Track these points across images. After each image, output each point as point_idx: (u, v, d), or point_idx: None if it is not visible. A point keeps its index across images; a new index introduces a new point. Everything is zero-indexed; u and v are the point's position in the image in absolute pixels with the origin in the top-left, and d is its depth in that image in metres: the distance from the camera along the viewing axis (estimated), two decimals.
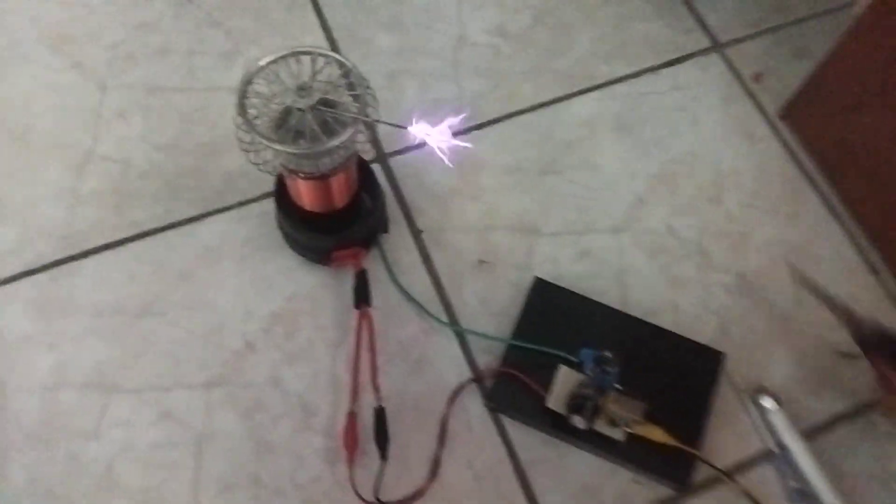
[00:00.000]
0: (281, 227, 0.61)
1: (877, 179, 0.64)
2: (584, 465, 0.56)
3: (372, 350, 0.57)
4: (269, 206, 0.64)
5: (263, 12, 0.74)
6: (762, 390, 0.59)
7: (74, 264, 0.61)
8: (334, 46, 0.73)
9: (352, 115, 0.50)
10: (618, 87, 0.73)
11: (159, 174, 0.65)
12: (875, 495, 0.56)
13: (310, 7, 0.75)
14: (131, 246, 0.62)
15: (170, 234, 0.63)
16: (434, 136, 0.49)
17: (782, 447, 0.57)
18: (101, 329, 0.59)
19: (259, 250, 0.63)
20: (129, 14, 0.73)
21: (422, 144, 0.67)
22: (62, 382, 0.57)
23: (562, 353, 0.57)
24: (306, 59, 0.51)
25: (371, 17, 0.75)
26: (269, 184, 0.65)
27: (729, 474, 0.56)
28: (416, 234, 0.64)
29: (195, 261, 0.62)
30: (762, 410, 0.58)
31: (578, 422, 0.53)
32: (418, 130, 0.50)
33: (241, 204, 0.65)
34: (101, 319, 0.59)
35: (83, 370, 0.57)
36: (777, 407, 0.58)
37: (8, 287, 0.60)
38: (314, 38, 0.73)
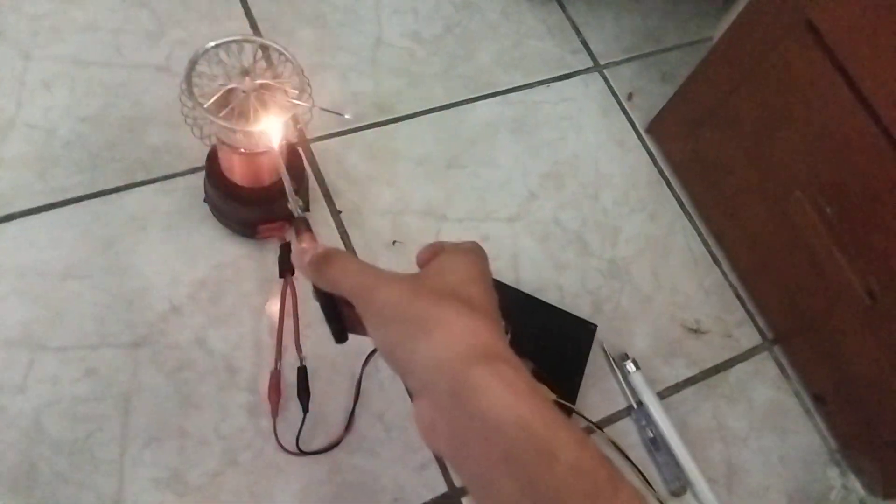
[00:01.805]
0: (210, 200, 0.65)
1: (715, 185, 0.77)
2: None
3: (295, 315, 0.63)
4: (194, 180, 0.68)
5: None
6: (625, 356, 0.70)
7: None
8: (257, 34, 0.77)
9: (291, 99, 0.55)
10: (514, 95, 0.83)
11: (84, 145, 0.67)
12: (712, 445, 0.69)
13: None
14: (55, 212, 0.64)
15: (95, 202, 0.65)
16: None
17: (640, 404, 0.68)
18: (25, 290, 0.60)
19: (184, 221, 0.66)
20: None
21: (344, 132, 0.74)
22: None
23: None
24: (249, 46, 0.56)
25: (294, 11, 0.80)
26: (193, 159, 0.69)
27: (599, 426, 0.66)
28: (336, 213, 0.70)
29: (120, 229, 0.65)
30: (625, 373, 0.69)
31: None
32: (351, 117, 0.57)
33: (167, 177, 0.68)
34: (25, 280, 0.61)
35: (8, 328, 0.59)
36: (636, 370, 0.69)
37: None
38: (238, 25, 0.77)
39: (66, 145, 0.67)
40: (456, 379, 0.34)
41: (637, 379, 0.69)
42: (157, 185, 0.67)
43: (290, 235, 0.66)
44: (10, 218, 0.63)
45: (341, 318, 0.44)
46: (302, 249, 0.43)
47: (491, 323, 0.36)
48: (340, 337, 0.45)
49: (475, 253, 0.41)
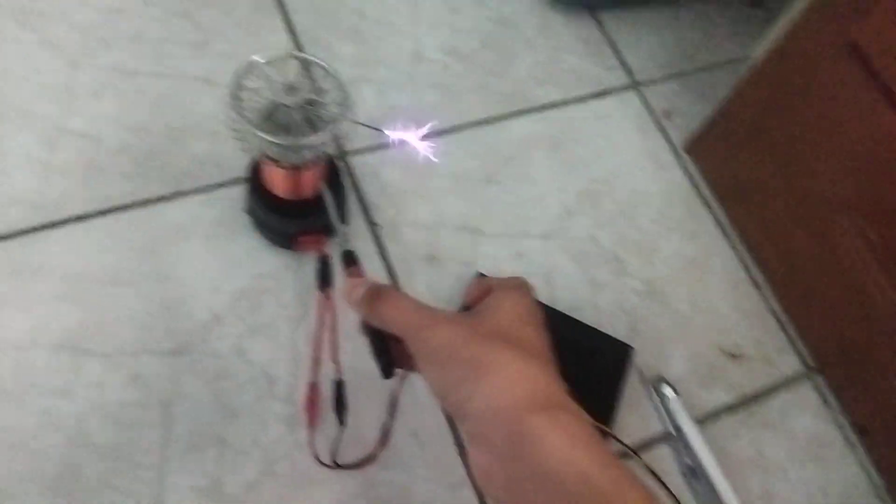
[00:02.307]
0: (251, 211, 0.66)
1: (756, 206, 0.76)
2: None
3: (333, 328, 0.63)
4: (236, 191, 0.69)
5: (232, 10, 0.79)
6: (663, 380, 0.69)
7: (46, 233, 0.63)
8: (298, 48, 0.78)
9: (334, 114, 0.56)
10: (551, 112, 0.83)
11: (130, 153, 0.69)
12: (751, 475, 0.68)
13: (277, 9, 0.80)
14: (102, 219, 0.65)
15: (140, 210, 0.66)
16: (408, 137, 0.56)
17: (678, 430, 0.67)
18: (71, 295, 0.61)
19: (226, 231, 0.67)
20: None
21: (381, 146, 0.74)
22: (35, 343, 0.59)
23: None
24: (295, 61, 0.57)
25: (334, 26, 0.81)
26: (236, 169, 0.70)
27: (635, 451, 0.66)
28: (373, 227, 0.71)
29: (164, 237, 0.66)
30: (662, 397, 0.68)
31: None
32: (395, 134, 0.57)
33: (210, 188, 0.69)
34: (72, 286, 0.62)
35: (55, 333, 0.60)
36: (675, 395, 0.68)
37: None
38: (279, 39, 0.79)
39: (113, 154, 0.68)
40: (513, 427, 0.33)
41: (675, 405, 0.68)
42: (202, 195, 0.69)
43: (330, 247, 0.66)
44: (57, 224, 0.64)
45: (389, 353, 0.44)
46: (352, 284, 0.43)
47: (547, 367, 0.36)
48: (388, 372, 0.44)
49: (524, 291, 0.41)
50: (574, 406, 0.35)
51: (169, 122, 0.71)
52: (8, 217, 0.63)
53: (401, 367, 0.44)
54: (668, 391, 0.68)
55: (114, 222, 0.65)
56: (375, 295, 0.41)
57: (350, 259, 0.45)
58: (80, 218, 0.65)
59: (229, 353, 0.62)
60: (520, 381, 0.35)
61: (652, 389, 0.69)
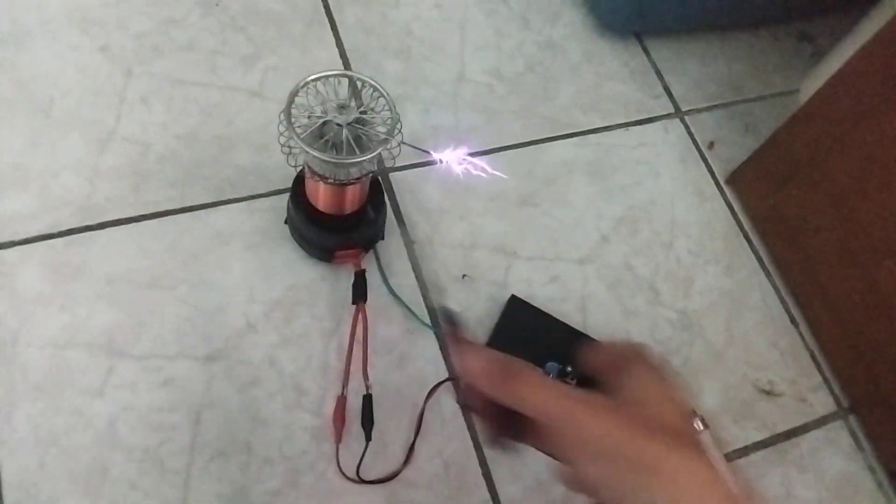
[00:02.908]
0: (291, 223, 0.67)
1: (798, 243, 0.75)
2: (539, 461, 0.63)
3: (364, 342, 0.63)
4: (277, 202, 0.70)
5: (284, 24, 0.80)
6: (693, 413, 0.68)
7: (90, 234, 0.65)
8: (346, 65, 0.79)
9: (383, 134, 0.57)
10: (592, 137, 0.83)
11: (177, 160, 0.70)
12: None
13: (328, 26, 0.81)
14: (145, 223, 0.67)
15: (183, 216, 0.68)
16: (453, 158, 0.57)
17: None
18: (111, 296, 0.63)
19: (265, 241, 0.68)
20: (158, 8, 0.78)
21: (421, 163, 0.75)
22: (71, 342, 0.60)
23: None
24: (345, 80, 0.58)
25: (382, 44, 0.82)
26: (277, 181, 0.71)
27: None
28: (409, 244, 0.71)
29: (205, 244, 0.67)
30: (693, 430, 0.67)
31: None
32: (441, 156, 0.58)
33: (252, 197, 0.70)
34: (112, 287, 0.63)
35: (92, 332, 0.61)
36: (704, 429, 0.67)
37: (26, 247, 0.63)
38: (329, 56, 0.80)
39: (160, 160, 0.70)
40: None
41: (705, 438, 0.66)
42: (243, 204, 0.70)
43: (365, 262, 0.67)
44: (103, 226, 0.66)
45: (503, 425, 0.41)
46: (469, 354, 0.39)
47: (705, 459, 0.35)
48: (499, 444, 0.42)
49: (663, 371, 0.39)
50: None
51: (216, 131, 0.73)
52: (54, 217, 0.65)
53: (517, 440, 0.42)
54: (698, 424, 0.67)
55: (156, 227, 0.67)
56: (510, 374, 0.37)
57: (450, 319, 0.41)
58: (123, 221, 0.66)
59: (261, 362, 0.63)
60: (705, 487, 0.34)
61: None
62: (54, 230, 0.64)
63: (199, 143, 0.72)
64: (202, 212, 0.68)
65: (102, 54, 0.74)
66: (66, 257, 0.64)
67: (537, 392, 0.36)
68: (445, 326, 0.42)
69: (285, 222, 0.68)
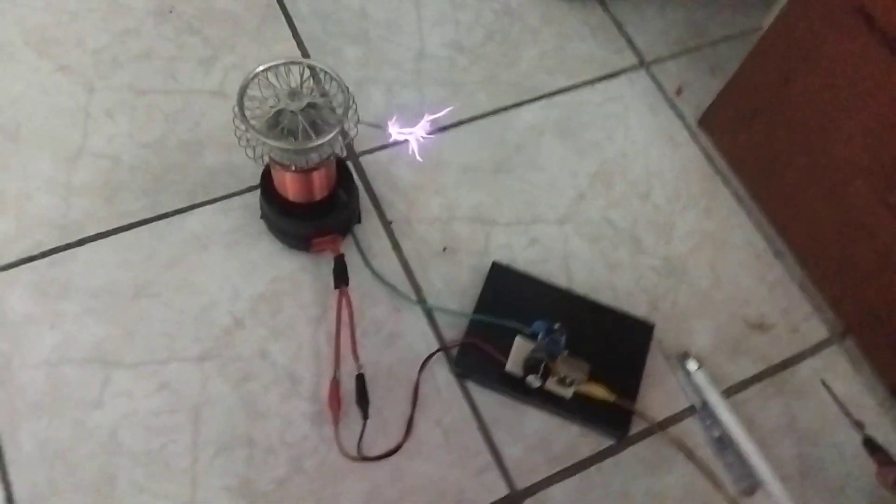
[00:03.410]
0: (265, 217, 0.68)
1: (774, 176, 0.75)
2: (538, 420, 0.64)
3: (351, 325, 0.64)
4: (251, 198, 0.71)
5: (239, 22, 0.80)
6: (686, 355, 0.68)
7: (70, 251, 0.66)
8: (305, 56, 0.80)
9: (337, 116, 0.57)
10: (559, 98, 0.83)
11: (147, 169, 0.71)
12: (782, 443, 0.67)
13: (282, 19, 0.82)
14: (123, 235, 0.67)
15: (159, 223, 0.68)
16: (410, 133, 0.57)
17: (704, 403, 0.67)
18: (98, 310, 0.64)
19: (243, 238, 0.69)
20: (112, 21, 0.78)
21: (391, 144, 0.75)
22: (64, 358, 0.61)
23: (517, 326, 0.65)
24: (295, 67, 0.58)
25: (339, 30, 0.82)
26: (249, 178, 0.71)
27: (661, 426, 0.65)
28: (387, 224, 0.72)
29: (184, 248, 0.67)
30: (686, 372, 0.68)
31: (533, 381, 0.62)
32: (395, 130, 0.58)
33: (225, 197, 0.70)
34: (98, 301, 0.64)
35: (84, 347, 0.62)
36: (698, 368, 0.68)
37: (9, 272, 0.64)
38: (287, 48, 0.80)
39: (131, 170, 0.70)
40: None
41: (699, 377, 0.67)
42: (217, 204, 0.70)
43: (344, 247, 0.68)
44: (82, 242, 0.66)
45: None
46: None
47: None
48: None
49: None
50: None
51: (182, 136, 0.73)
52: (34, 238, 0.66)
53: None
54: (691, 365, 0.68)
55: (135, 237, 0.67)
56: None
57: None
58: (102, 235, 0.67)
59: (253, 356, 0.64)
60: None
61: (675, 364, 0.68)
62: (35, 251, 0.65)
63: (167, 149, 0.72)
64: (177, 217, 0.69)
65: (63, 73, 0.74)
66: (50, 277, 0.64)
67: None
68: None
69: (261, 217, 0.69)
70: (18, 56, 0.75)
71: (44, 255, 0.65)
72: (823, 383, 0.68)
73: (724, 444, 0.65)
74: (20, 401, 0.59)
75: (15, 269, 0.64)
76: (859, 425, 0.64)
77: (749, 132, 0.77)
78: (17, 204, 0.67)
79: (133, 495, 0.57)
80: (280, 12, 0.82)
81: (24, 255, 0.65)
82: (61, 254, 0.66)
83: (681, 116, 0.84)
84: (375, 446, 0.61)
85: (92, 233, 0.67)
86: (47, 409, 0.59)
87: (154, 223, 0.68)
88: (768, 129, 0.74)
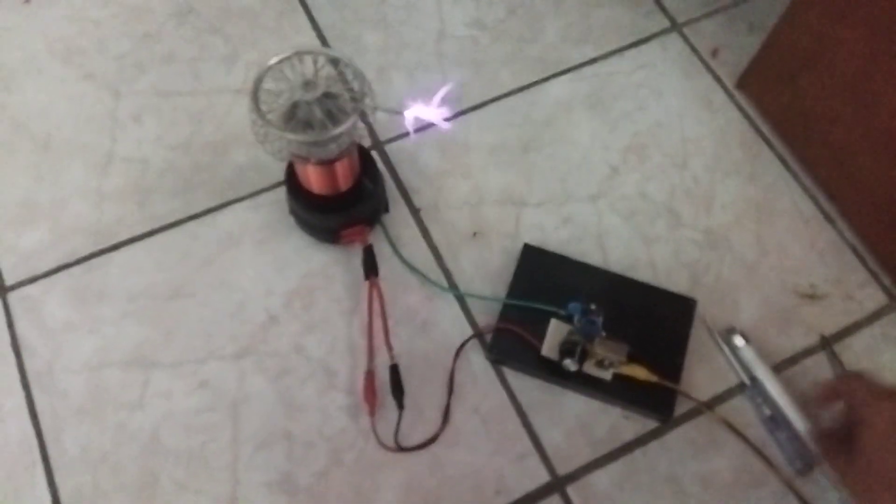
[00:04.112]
0: (292, 212, 0.67)
1: (822, 137, 0.71)
2: (578, 404, 0.63)
3: (383, 315, 0.63)
4: (279, 194, 0.70)
5: (258, 18, 0.80)
6: (732, 330, 0.66)
7: (105, 257, 0.67)
8: (325, 46, 0.79)
9: (353, 104, 0.56)
10: (587, 69, 0.80)
11: (176, 171, 0.71)
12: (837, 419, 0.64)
13: (300, 11, 0.81)
14: (156, 237, 0.68)
15: (191, 224, 0.69)
16: (428, 112, 0.56)
17: (753, 379, 0.64)
18: (135, 313, 0.65)
19: (274, 234, 0.69)
20: (133, 26, 0.79)
21: (416, 130, 0.74)
22: (105, 362, 0.62)
23: (552, 308, 0.63)
24: (308, 58, 0.57)
25: (357, 17, 0.81)
26: (277, 174, 0.71)
27: (708, 405, 0.63)
28: (415, 211, 0.71)
29: (216, 247, 0.68)
30: (733, 348, 0.65)
31: (569, 364, 0.60)
32: (412, 112, 0.57)
33: (254, 194, 0.71)
34: (135, 304, 0.65)
35: (123, 350, 0.63)
36: (745, 344, 0.65)
37: (47, 280, 0.65)
38: (307, 39, 0.79)
39: (160, 173, 0.71)
40: None
41: (748, 353, 0.64)
42: (246, 202, 0.70)
43: (372, 237, 0.67)
44: (116, 247, 0.67)
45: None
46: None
47: None
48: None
49: None
50: None
51: (208, 136, 0.73)
52: (69, 246, 0.67)
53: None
54: (738, 340, 0.65)
55: (168, 239, 0.68)
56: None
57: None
58: (136, 239, 0.68)
59: (289, 351, 0.64)
60: None
61: (720, 340, 0.65)
62: (71, 259, 0.67)
63: (194, 150, 0.72)
64: (208, 217, 0.69)
65: (88, 81, 0.75)
66: (86, 283, 0.66)
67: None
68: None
69: (290, 213, 0.68)
70: (45, 67, 0.76)
71: (79, 261, 0.66)
72: (824, 340, 0.65)
73: (776, 422, 0.62)
74: (63, 406, 0.61)
75: (53, 277, 0.66)
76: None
77: (792, 91, 0.72)
78: (50, 213, 0.68)
79: (176, 494, 0.58)
80: (298, 4, 0.81)
81: (61, 263, 0.66)
82: (97, 259, 0.67)
83: (718, 80, 0.80)
84: (413, 436, 0.61)
85: (126, 237, 0.68)
86: (90, 412, 0.60)
87: (186, 224, 0.69)
88: (813, 85, 0.70)
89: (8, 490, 0.58)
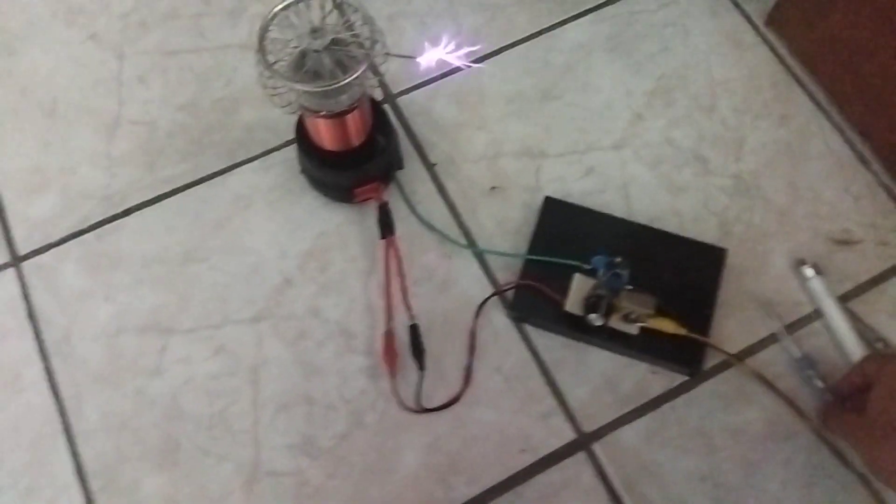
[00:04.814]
0: (304, 170, 0.65)
1: (856, 73, 0.67)
2: (603, 360, 0.61)
3: (400, 274, 0.62)
4: (290, 153, 0.68)
5: None
6: (801, 261, 0.63)
7: (117, 222, 0.66)
8: None
9: (364, 50, 0.53)
10: (608, 9, 0.76)
11: (184, 132, 0.69)
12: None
13: None
14: (167, 201, 0.67)
15: (201, 187, 0.67)
16: (441, 55, 0.53)
17: (820, 312, 0.62)
18: (150, 278, 0.64)
19: (286, 195, 0.67)
20: None
21: (429, 81, 0.71)
22: (122, 329, 0.62)
23: (575, 263, 0.61)
24: (315, 3, 0.54)
25: None
26: (287, 132, 0.69)
27: (739, 357, 0.61)
28: (430, 167, 0.68)
29: (228, 209, 0.66)
30: (802, 279, 0.63)
31: (595, 319, 0.58)
32: (428, 57, 0.54)
33: (264, 154, 0.69)
34: (149, 270, 0.64)
35: (139, 316, 0.62)
36: (815, 275, 0.62)
37: (60, 248, 0.65)
38: None
39: (168, 135, 0.69)
40: None
41: (816, 284, 0.62)
42: (257, 162, 0.68)
43: (387, 195, 0.65)
44: (128, 212, 0.66)
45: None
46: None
47: None
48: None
49: None
50: None
51: (216, 95, 0.71)
52: (80, 213, 0.66)
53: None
54: (808, 271, 0.62)
55: (179, 202, 0.67)
56: None
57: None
58: (147, 203, 0.67)
59: (305, 314, 0.63)
60: None
61: (791, 271, 0.64)
62: (83, 225, 0.66)
63: (202, 110, 0.70)
64: (219, 178, 0.68)
65: (92, 42, 0.73)
66: (99, 249, 0.65)
67: None
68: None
69: (301, 172, 0.67)
70: (47, 30, 0.74)
71: (91, 228, 0.65)
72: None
73: (811, 361, 0.60)
74: (82, 374, 0.60)
75: (65, 245, 0.65)
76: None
77: (825, 25, 0.68)
78: (60, 180, 0.67)
79: (198, 459, 0.58)
80: None
81: (73, 230, 0.65)
82: (109, 225, 0.66)
83: (746, 17, 0.75)
84: (435, 397, 0.60)
85: (137, 202, 0.67)
86: (109, 380, 0.60)
87: (196, 187, 0.67)
88: (847, 18, 0.65)
89: (31, 460, 0.58)
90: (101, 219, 0.66)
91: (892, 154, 0.67)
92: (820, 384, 0.59)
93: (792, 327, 0.62)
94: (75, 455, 0.58)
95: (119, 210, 0.66)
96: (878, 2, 0.61)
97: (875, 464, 0.51)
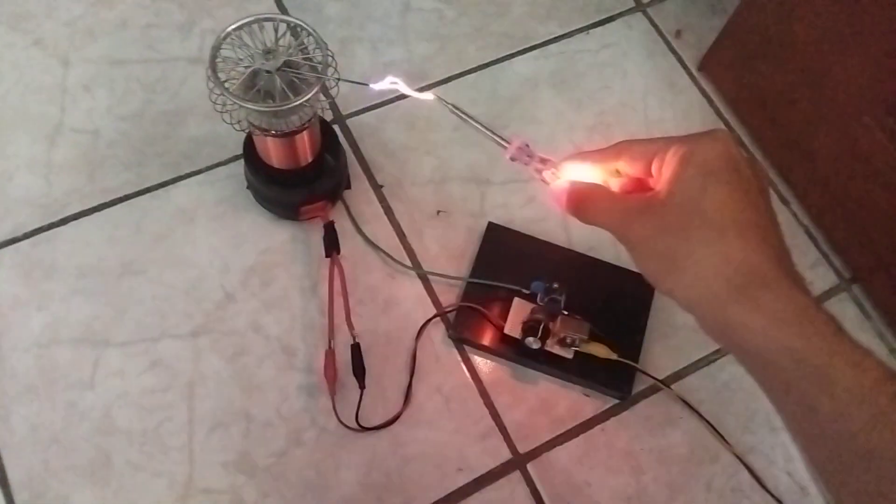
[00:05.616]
0: (251, 186, 0.65)
1: (778, 119, 0.72)
2: (539, 383, 0.63)
3: (344, 293, 0.62)
4: (237, 168, 0.68)
5: None
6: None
7: (54, 231, 0.64)
8: (285, 14, 0.76)
9: (315, 74, 0.54)
10: (553, 47, 0.79)
11: (128, 143, 0.69)
12: None
13: None
14: (107, 211, 0.66)
15: (143, 198, 0.67)
16: (395, 85, 0.54)
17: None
18: (85, 289, 0.62)
19: (231, 210, 0.67)
20: None
21: (379, 104, 0.73)
22: (54, 339, 0.60)
23: (515, 287, 0.63)
24: (268, 25, 0.55)
25: None
26: (234, 147, 0.69)
27: (666, 382, 0.64)
28: (377, 188, 0.69)
29: (170, 222, 0.66)
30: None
31: (532, 342, 0.60)
32: (380, 84, 0.55)
33: (210, 167, 0.68)
34: (85, 280, 0.63)
35: (73, 327, 0.61)
36: None
37: None
38: (265, 6, 0.77)
39: (111, 145, 0.68)
40: (716, 319, 0.34)
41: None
42: (202, 176, 0.68)
43: (334, 214, 0.66)
44: (65, 221, 0.65)
45: None
46: (556, 188, 0.45)
47: (753, 242, 0.34)
48: None
49: (726, 159, 0.37)
50: (784, 279, 0.34)
51: (162, 107, 0.71)
52: (17, 219, 0.64)
53: None
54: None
55: (120, 213, 0.66)
56: (580, 200, 0.43)
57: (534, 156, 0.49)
58: (86, 213, 0.65)
59: (246, 330, 0.63)
60: (715, 269, 0.34)
61: None
62: (18, 233, 0.64)
63: (147, 121, 0.70)
64: (162, 190, 0.67)
65: (37, 48, 0.72)
66: (34, 258, 0.63)
67: (598, 212, 0.41)
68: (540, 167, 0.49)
69: (247, 188, 0.67)
70: None
71: (27, 235, 0.64)
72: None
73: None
74: (11, 384, 0.58)
75: None
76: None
77: (751, 74, 0.73)
78: None
79: (130, 474, 0.56)
80: None
81: (8, 237, 0.63)
82: (45, 233, 0.64)
83: (681, 61, 0.80)
84: (375, 416, 0.60)
85: (75, 211, 0.65)
86: (39, 391, 0.58)
87: (138, 198, 0.67)
88: (771, 69, 0.70)
89: None
90: (37, 226, 0.64)
91: (809, 194, 0.72)
92: None
93: (716, 353, 0.65)
94: (2, 468, 0.56)
95: (56, 218, 0.65)
96: (798, 55, 0.66)
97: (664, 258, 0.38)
